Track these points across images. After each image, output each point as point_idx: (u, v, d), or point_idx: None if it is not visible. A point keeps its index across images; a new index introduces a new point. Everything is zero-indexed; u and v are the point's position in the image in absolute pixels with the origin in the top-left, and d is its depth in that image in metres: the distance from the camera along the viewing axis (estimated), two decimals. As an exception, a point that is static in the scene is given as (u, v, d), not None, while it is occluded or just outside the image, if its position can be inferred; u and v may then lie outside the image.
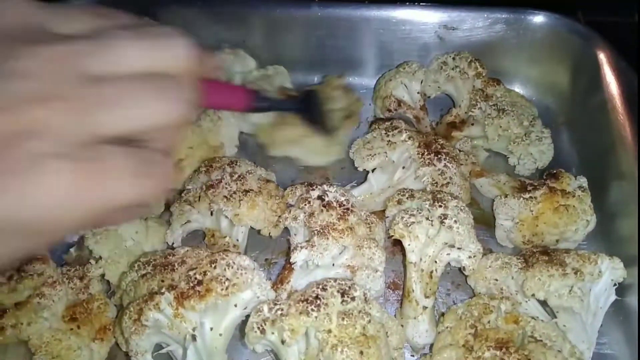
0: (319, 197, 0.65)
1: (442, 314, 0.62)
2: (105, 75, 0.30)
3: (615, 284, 0.63)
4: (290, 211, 0.67)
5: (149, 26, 0.34)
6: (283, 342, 0.52)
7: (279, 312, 0.52)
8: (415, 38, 0.92)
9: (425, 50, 0.92)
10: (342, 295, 0.52)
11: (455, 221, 0.61)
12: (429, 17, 0.88)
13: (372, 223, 0.65)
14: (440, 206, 0.63)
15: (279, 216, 0.69)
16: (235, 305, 0.56)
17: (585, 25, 1.06)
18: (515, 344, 0.51)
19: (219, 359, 0.55)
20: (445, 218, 0.62)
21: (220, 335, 0.55)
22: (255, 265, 0.59)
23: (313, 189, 0.67)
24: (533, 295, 0.57)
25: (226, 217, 0.68)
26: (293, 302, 0.53)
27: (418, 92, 0.90)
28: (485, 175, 0.79)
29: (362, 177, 0.79)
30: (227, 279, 0.54)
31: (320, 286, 0.54)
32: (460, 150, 0.80)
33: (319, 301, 0.52)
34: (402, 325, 0.60)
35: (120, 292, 0.62)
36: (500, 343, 0.51)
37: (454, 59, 0.87)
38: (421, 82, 0.89)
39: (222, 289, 0.54)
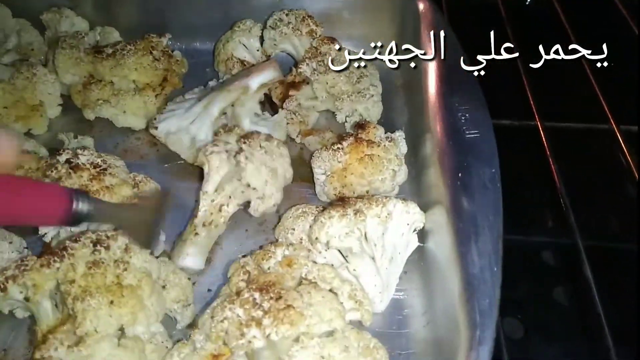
0: (67, 161, 0.61)
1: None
2: None
3: (414, 230, 0.64)
4: None
5: None
6: (27, 299, 0.47)
7: (24, 267, 0.47)
8: (253, 1, 0.90)
9: (265, 13, 0.90)
10: (95, 245, 0.48)
11: (246, 157, 0.60)
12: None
13: (140, 182, 0.63)
14: (244, 142, 0.62)
15: None
16: None
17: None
18: (282, 285, 0.49)
19: None
20: (239, 153, 0.60)
21: None
22: None
23: (60, 154, 0.62)
24: (317, 239, 0.56)
25: None
26: (40, 256, 0.48)
27: (258, 50, 0.88)
28: (314, 133, 0.78)
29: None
30: None
31: (74, 238, 0.49)
32: (287, 110, 0.79)
33: (64, 252, 0.47)
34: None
35: None
36: (264, 285, 0.48)
37: (287, 15, 0.86)
38: (260, 39, 0.88)
39: None
